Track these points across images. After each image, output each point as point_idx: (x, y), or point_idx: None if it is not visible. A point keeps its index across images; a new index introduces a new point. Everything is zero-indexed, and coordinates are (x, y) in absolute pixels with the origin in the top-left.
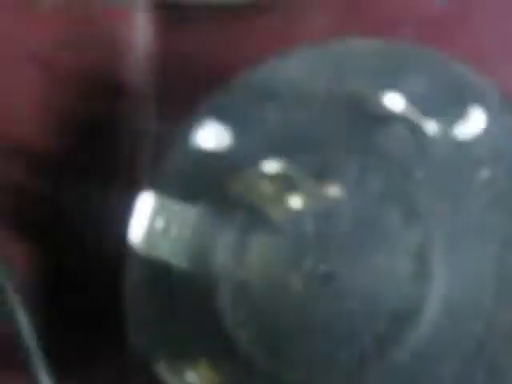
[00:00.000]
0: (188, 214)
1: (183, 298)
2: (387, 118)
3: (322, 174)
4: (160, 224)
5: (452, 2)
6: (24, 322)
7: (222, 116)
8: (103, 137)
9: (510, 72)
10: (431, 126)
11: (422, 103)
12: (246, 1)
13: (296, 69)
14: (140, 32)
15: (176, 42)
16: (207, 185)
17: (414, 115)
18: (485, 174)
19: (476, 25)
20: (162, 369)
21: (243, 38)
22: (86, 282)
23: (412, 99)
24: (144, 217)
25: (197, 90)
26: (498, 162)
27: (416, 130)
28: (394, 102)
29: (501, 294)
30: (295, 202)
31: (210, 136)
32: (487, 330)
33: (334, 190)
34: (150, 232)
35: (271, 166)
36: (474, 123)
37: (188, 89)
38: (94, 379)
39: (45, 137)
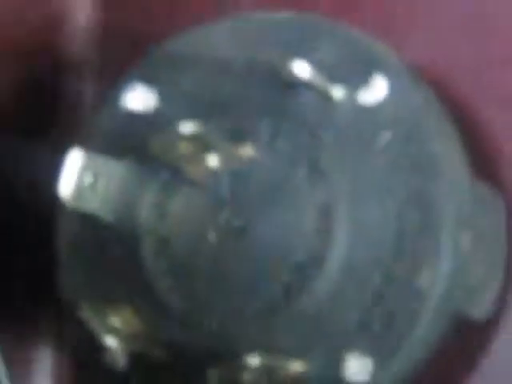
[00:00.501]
0: (114, 171)
1: (109, 248)
2: (297, 85)
3: (237, 136)
4: (88, 179)
5: None
6: None
7: (145, 81)
8: (44, 101)
9: (417, 38)
10: (338, 93)
11: (330, 72)
12: None
13: (216, 38)
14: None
15: (113, 13)
16: (132, 144)
17: (322, 82)
18: (385, 137)
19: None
20: (88, 313)
21: (175, 7)
22: (22, 236)
23: (321, 68)
24: (73, 172)
25: (132, 58)
26: (397, 126)
27: (323, 96)
28: (304, 70)
29: (398, 250)
30: (212, 161)
31: (135, 99)
32: (385, 282)
33: (246, 151)
34: (79, 186)
35: (190, 128)
36: (376, 90)
37: (127, 54)
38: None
39: None
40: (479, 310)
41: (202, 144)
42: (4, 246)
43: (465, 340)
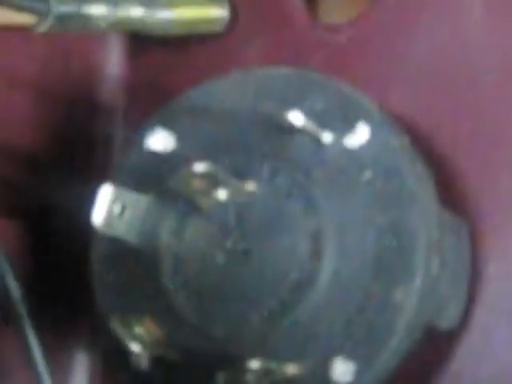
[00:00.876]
0: (139, 202)
1: (135, 268)
2: (292, 131)
3: (242, 174)
4: (117, 209)
5: (351, 40)
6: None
7: (167, 125)
8: (81, 142)
9: (394, 93)
10: (327, 138)
11: (320, 119)
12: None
13: (226, 89)
14: (112, 56)
15: (141, 65)
16: (154, 180)
17: (313, 128)
18: (367, 175)
19: (369, 55)
20: (117, 324)
21: (194, 61)
22: (66, 256)
23: (312, 116)
24: (104, 204)
25: (156, 104)
26: (377, 166)
27: (314, 141)
28: (298, 118)
29: (378, 270)
30: (221, 195)
31: (156, 142)
32: (366, 297)
33: (250, 186)
34: (109, 215)
35: (202, 167)
36: (360, 135)
37: (151, 104)
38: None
39: (34, 143)
40: (446, 321)
41: (212, 181)
42: (50, 264)
43: (434, 346)
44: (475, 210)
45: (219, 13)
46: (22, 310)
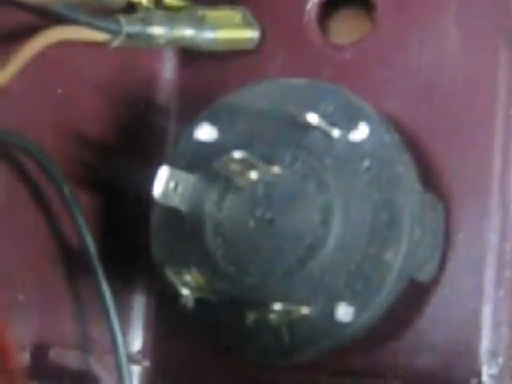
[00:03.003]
0: (189, 180)
1: (184, 230)
2: (309, 127)
3: (269, 160)
4: (172, 185)
5: (354, 57)
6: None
7: (211, 120)
8: (143, 134)
9: (387, 99)
10: (335, 133)
11: (330, 119)
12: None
13: (257, 93)
14: (168, 65)
15: (190, 73)
16: (201, 163)
17: (325, 126)
18: (366, 163)
19: (368, 69)
20: (170, 273)
21: (232, 71)
22: (137, 219)
23: (324, 116)
24: (162, 181)
25: (203, 104)
26: (374, 157)
27: (326, 135)
28: (313, 118)
29: (373, 236)
30: (252, 175)
31: (203, 133)
32: (363, 257)
33: (275, 169)
34: (165, 190)
35: (238, 154)
36: (361, 132)
37: (199, 104)
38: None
39: (108, 136)
40: (425, 276)
41: (246, 164)
42: (120, 227)
43: (414, 295)
44: (448, 191)
45: (251, 34)
46: (96, 263)
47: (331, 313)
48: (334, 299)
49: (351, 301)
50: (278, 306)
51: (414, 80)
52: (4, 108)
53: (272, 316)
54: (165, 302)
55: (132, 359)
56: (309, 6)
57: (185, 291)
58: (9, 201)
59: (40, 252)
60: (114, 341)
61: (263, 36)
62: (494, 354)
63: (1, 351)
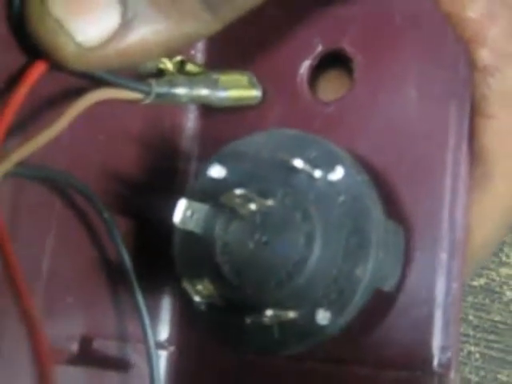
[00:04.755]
0: (202, 209)
1: (199, 249)
2: (296, 170)
3: (265, 195)
4: (189, 213)
5: (337, 111)
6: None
7: (221, 162)
8: (168, 173)
9: (360, 144)
10: (317, 174)
11: (313, 163)
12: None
13: (257, 141)
14: (190, 117)
15: (207, 124)
16: (212, 196)
17: (309, 169)
18: (341, 198)
19: (347, 120)
20: (186, 284)
21: (239, 122)
22: (162, 240)
23: (308, 161)
24: (180, 210)
25: (216, 148)
26: (348, 193)
27: (309, 176)
28: (299, 163)
29: (346, 256)
30: (251, 207)
31: (215, 172)
32: (338, 272)
33: (269, 202)
34: (183, 217)
35: (241, 191)
36: (337, 173)
37: (213, 148)
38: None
39: (140, 174)
40: (388, 286)
41: (246, 198)
42: (149, 244)
43: (379, 301)
44: (407, 219)
45: (255, 93)
46: (130, 272)
47: (312, 317)
48: (314, 306)
49: (328, 307)
50: (270, 312)
51: (382, 130)
52: (57, 153)
53: (265, 318)
54: (186, 303)
55: (160, 346)
56: (301, 70)
57: (196, 298)
58: (62, 225)
59: (86, 264)
60: (144, 332)
61: (264, 94)
62: (444, 348)
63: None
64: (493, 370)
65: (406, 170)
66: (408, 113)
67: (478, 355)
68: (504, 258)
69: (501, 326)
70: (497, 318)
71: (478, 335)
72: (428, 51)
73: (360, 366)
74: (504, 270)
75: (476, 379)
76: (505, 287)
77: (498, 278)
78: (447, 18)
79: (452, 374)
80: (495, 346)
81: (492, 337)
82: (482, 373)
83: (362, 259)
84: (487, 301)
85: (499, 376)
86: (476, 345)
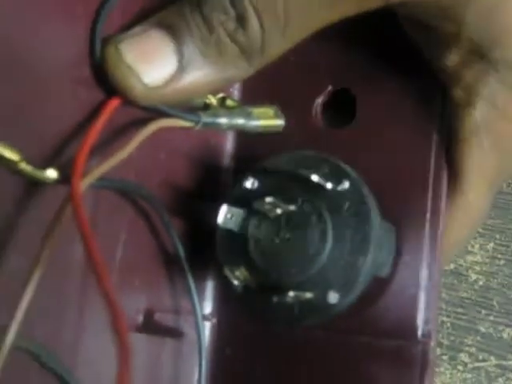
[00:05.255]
0: (240, 213)
1: (236, 243)
2: (312, 182)
3: (288, 202)
4: (229, 216)
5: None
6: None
7: (254, 175)
8: (213, 186)
9: (360, 162)
10: (328, 185)
11: (326, 177)
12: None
13: (283, 159)
14: (229, 140)
15: (244, 146)
16: (247, 202)
17: (323, 181)
18: (347, 205)
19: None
20: (226, 271)
21: (268, 145)
22: (208, 236)
23: (322, 175)
24: (223, 213)
25: (252, 165)
26: (353, 201)
27: (323, 187)
28: (315, 177)
29: (351, 250)
30: (278, 211)
31: (249, 183)
32: (345, 263)
33: (292, 207)
34: (225, 219)
35: (270, 199)
36: (344, 185)
37: (248, 164)
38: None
39: (190, 186)
40: (383, 273)
41: (274, 204)
42: (198, 238)
43: (377, 284)
44: (398, 221)
45: (280, 122)
46: (183, 260)
47: (325, 297)
48: (326, 288)
49: (337, 290)
50: (291, 293)
51: (379, 151)
52: (128, 168)
53: (288, 298)
54: (225, 285)
55: (205, 318)
56: (315, 104)
57: (235, 282)
58: (132, 224)
59: (150, 255)
60: (194, 307)
61: (286, 123)
62: (426, 322)
63: (115, 318)
64: (460, 335)
65: (397, 183)
66: (399, 139)
67: (449, 324)
68: (469, 248)
69: (467, 301)
70: (463, 295)
71: (449, 309)
72: (414, 91)
73: (361, 336)
74: (469, 258)
75: (447, 343)
76: (470, 271)
77: (464, 264)
78: (429, 64)
79: (432, 342)
80: (462, 317)
81: (460, 310)
82: (452, 338)
83: (363, 252)
84: (456, 281)
85: (465, 340)
86: (447, 316)
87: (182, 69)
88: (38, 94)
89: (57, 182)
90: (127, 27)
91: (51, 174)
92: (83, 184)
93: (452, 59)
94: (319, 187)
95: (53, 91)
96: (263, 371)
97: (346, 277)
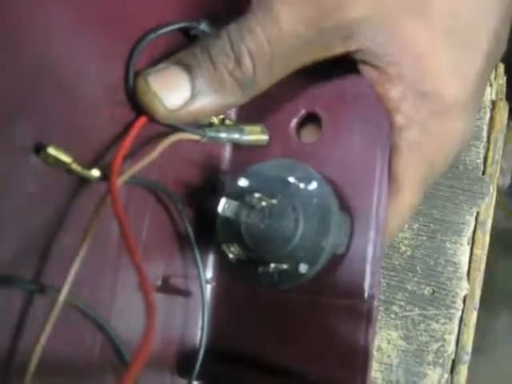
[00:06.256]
0: (234, 204)
1: (231, 227)
2: (290, 183)
3: (271, 197)
4: (226, 206)
5: (314, 149)
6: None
7: (246, 176)
8: (214, 184)
9: (324, 168)
10: (302, 185)
11: (299, 179)
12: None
13: (268, 166)
14: (227, 149)
15: (238, 153)
16: (240, 196)
17: (297, 182)
18: (315, 200)
19: (319, 157)
20: (224, 247)
21: (257, 155)
22: (210, 221)
23: (296, 178)
24: (222, 204)
25: (244, 169)
26: (319, 197)
27: (296, 187)
28: (292, 179)
29: (317, 233)
30: (263, 203)
31: (241, 182)
32: (313, 243)
33: (274, 201)
34: (223, 208)
35: (258, 195)
36: (313, 185)
37: (240, 169)
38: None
39: (196, 183)
40: (340, 251)
41: (260, 198)
42: (203, 222)
43: (334, 260)
44: (352, 211)
45: (265, 137)
46: (192, 239)
47: (297, 268)
48: (298, 261)
49: (306, 263)
50: (272, 265)
51: (338, 161)
52: (152, 170)
53: (270, 269)
54: (222, 257)
55: (207, 282)
56: (292, 124)
57: (231, 255)
58: (154, 212)
59: (167, 235)
60: (199, 273)
61: (270, 138)
62: (371, 287)
63: (142, 282)
64: (392, 292)
65: (351, 184)
66: (353, 151)
67: (384, 284)
68: None
69: (398, 267)
70: (395, 262)
71: (385, 272)
72: (366, 115)
73: (323, 296)
74: (400, 234)
75: (383, 298)
76: (401, 244)
77: (396, 239)
78: (378, 96)
79: (375, 302)
80: (394, 278)
81: (392, 273)
82: (387, 294)
83: (326, 235)
84: (390, 252)
85: (396, 296)
86: (384, 278)
87: (193, 96)
88: (87, 111)
89: (99, 179)
90: (153, 64)
91: (95, 173)
92: (119, 181)
93: (395, 93)
94: (294, 186)
95: (98, 110)
96: (249, 323)
97: (313, 253)
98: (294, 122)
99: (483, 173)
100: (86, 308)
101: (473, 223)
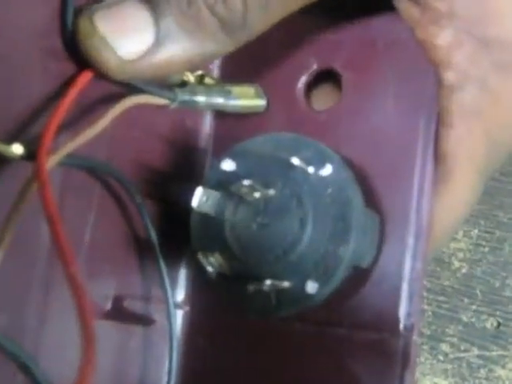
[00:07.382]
0: (216, 196)
1: (211, 228)
2: (293, 166)
3: (267, 185)
4: (204, 199)
5: (327, 118)
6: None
7: (231, 157)
8: (189, 167)
9: (344, 146)
10: (310, 169)
11: (307, 161)
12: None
13: (261, 142)
14: (206, 119)
15: (220, 124)
16: (224, 185)
17: (304, 165)
18: (329, 190)
19: (335, 126)
20: (200, 256)
21: (247, 126)
22: (182, 219)
23: (303, 159)
24: (197, 196)
25: (228, 146)
26: (335, 186)
27: (304, 171)
28: (296, 160)
29: (331, 238)
30: (256, 195)
31: (226, 165)
32: (325, 251)
33: (271, 192)
34: (199, 201)
35: (248, 182)
36: (327, 170)
37: (225, 146)
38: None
39: (165, 167)
40: (365, 263)
41: (252, 188)
42: (172, 222)
43: (359, 274)
44: (383, 209)
45: (261, 102)
46: (156, 245)
47: (303, 287)
48: (305, 278)
49: (316, 279)
50: (268, 281)
51: (364, 135)
52: (99, 147)
53: (265, 287)
54: (199, 271)
55: (177, 306)
56: (299, 85)
57: (209, 268)
58: (101, 206)
59: (120, 238)
60: (165, 294)
61: (268, 104)
62: (408, 315)
63: (80, 305)
64: (441, 325)
65: (382, 168)
66: (385, 122)
67: (430, 313)
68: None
69: (449, 289)
70: (446, 283)
71: (431, 297)
72: (403, 71)
73: (340, 328)
74: (452, 244)
75: (428, 332)
76: (453, 258)
77: (447, 251)
78: (421, 44)
79: (415, 336)
80: (444, 305)
81: (441, 298)
82: (433, 327)
83: (344, 241)
84: (438, 269)
85: (447, 330)
86: (429, 304)
87: (158, 42)
88: (3, 65)
89: (22, 158)
90: None
91: (17, 149)
92: (50, 161)
93: (444, 38)
94: (300, 171)
95: (20, 62)
96: (236, 363)
97: (325, 266)
98: (301, 81)
99: None
100: (3, 340)
101: None
